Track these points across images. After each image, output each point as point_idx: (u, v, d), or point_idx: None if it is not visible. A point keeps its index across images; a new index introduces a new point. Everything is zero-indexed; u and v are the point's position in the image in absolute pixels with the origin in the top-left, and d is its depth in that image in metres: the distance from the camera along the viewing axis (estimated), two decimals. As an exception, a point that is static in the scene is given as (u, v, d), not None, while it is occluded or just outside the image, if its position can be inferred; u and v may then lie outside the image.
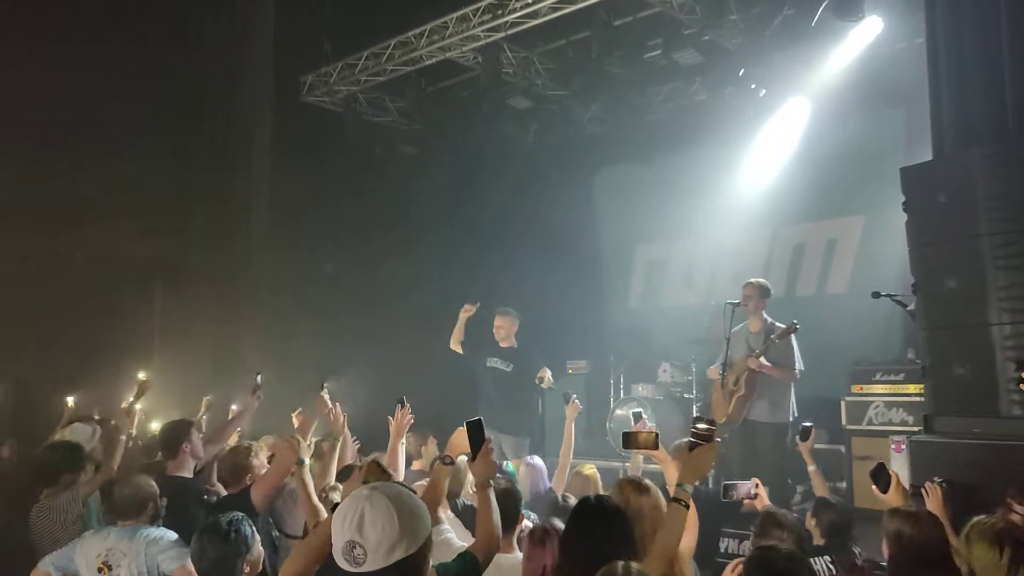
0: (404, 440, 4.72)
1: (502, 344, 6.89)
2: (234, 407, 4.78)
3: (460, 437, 3.83)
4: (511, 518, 3.39)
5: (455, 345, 7.00)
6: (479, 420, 2.96)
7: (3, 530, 4.53)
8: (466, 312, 6.92)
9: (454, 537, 3.52)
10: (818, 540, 3.82)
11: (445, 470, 3.68)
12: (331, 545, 1.99)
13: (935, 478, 3.68)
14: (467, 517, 3.81)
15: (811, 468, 4.68)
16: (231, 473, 4.18)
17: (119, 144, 7.95)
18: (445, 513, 3.77)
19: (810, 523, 3.85)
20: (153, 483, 3.93)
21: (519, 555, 3.36)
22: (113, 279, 7.93)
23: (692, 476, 2.81)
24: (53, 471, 4.45)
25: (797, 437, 4.72)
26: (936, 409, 4.14)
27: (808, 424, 4.74)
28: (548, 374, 6.49)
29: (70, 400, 5.79)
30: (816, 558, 3.51)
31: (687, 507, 2.76)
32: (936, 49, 5.02)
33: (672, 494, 2.82)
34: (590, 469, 4.84)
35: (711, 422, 2.88)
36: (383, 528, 1.88)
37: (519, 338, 6.97)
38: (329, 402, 4.32)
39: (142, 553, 3.55)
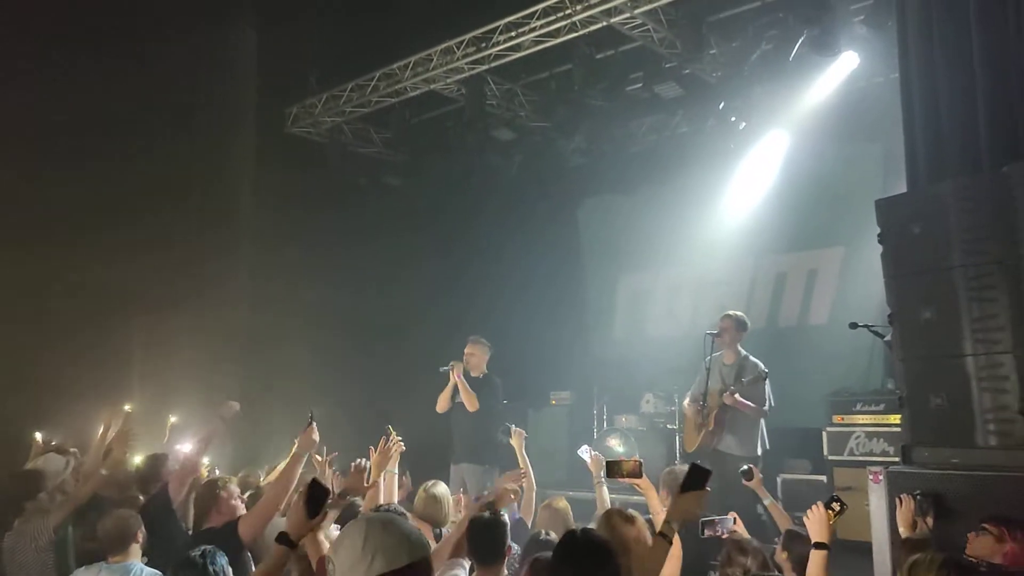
0: (394, 471, 4.65)
1: (472, 373, 6.89)
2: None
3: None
4: (498, 549, 3.37)
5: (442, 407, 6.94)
6: (708, 471, 2.98)
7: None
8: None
9: None
10: (789, 574, 3.77)
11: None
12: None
13: (915, 491, 3.70)
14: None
15: (767, 502, 4.65)
16: (198, 508, 4.08)
17: (99, 175, 7.89)
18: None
19: (780, 556, 3.82)
20: (136, 516, 3.92)
21: None
22: (90, 311, 7.80)
23: (679, 515, 2.88)
24: (14, 501, 4.52)
25: (742, 479, 4.72)
26: (913, 439, 4.13)
27: (747, 467, 4.79)
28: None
29: (38, 436, 5.71)
30: None
31: (671, 543, 2.81)
32: (909, 84, 5.11)
33: (658, 529, 2.86)
34: (561, 502, 4.79)
35: (706, 471, 2.94)
36: (349, 547, 2.02)
37: (491, 366, 6.98)
38: (316, 433, 4.15)
39: None
